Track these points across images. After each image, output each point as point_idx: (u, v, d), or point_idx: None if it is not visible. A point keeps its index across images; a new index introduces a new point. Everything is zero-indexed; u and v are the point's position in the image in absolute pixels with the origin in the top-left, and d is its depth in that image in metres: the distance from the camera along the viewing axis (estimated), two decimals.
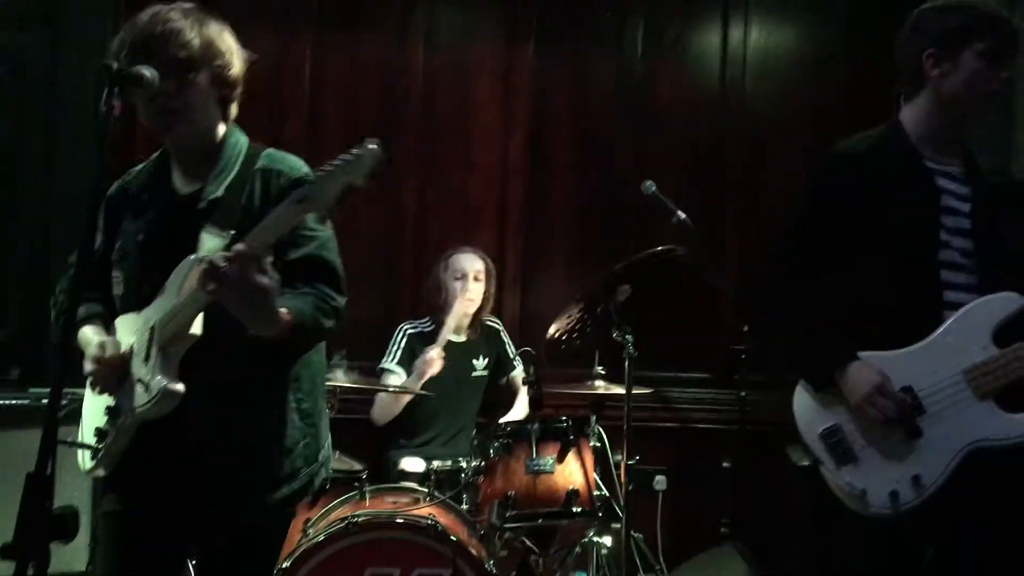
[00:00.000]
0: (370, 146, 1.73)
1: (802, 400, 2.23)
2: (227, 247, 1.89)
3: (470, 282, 3.89)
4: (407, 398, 3.79)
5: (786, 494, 3.46)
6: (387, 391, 3.79)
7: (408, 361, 3.87)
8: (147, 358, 1.96)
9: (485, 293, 3.95)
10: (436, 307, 3.93)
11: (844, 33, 4.46)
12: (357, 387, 3.53)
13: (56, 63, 4.08)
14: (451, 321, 3.79)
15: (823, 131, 4.37)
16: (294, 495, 2.11)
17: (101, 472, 2.06)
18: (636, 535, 3.59)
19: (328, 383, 3.30)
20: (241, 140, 2.16)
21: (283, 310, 1.89)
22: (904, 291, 2.15)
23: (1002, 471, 2.09)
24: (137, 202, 2.14)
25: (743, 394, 3.95)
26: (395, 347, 3.93)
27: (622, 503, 3.33)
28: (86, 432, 2.12)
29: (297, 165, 2.13)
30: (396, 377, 3.87)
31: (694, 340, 4.35)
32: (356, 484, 3.11)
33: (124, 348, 2.02)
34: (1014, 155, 4.04)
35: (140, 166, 2.24)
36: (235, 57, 2.12)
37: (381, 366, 3.90)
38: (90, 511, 3.21)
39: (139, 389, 1.96)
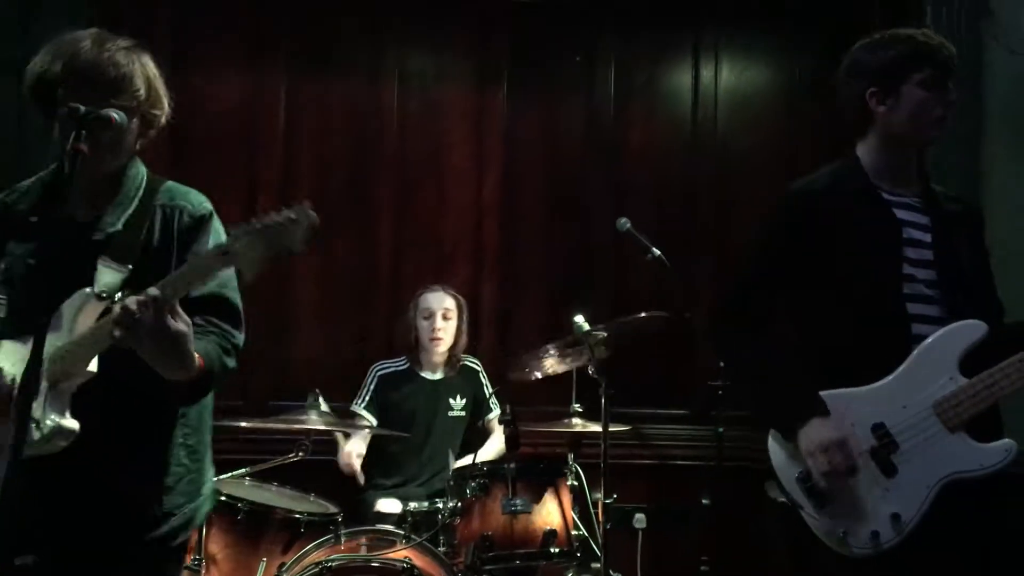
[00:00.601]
0: (308, 211, 1.70)
1: (777, 443, 2.21)
2: (124, 283, 1.87)
3: (438, 320, 3.90)
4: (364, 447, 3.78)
5: (765, 531, 3.45)
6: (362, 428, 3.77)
7: (378, 403, 3.87)
8: (36, 394, 1.86)
9: (456, 330, 3.95)
10: (408, 347, 3.94)
11: (813, 72, 4.54)
12: (334, 429, 3.49)
13: (23, 111, 4.03)
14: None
15: (794, 170, 4.41)
16: (175, 531, 2.05)
17: None
18: (615, 575, 3.55)
19: (301, 426, 3.28)
20: (141, 171, 2.09)
21: (194, 354, 1.85)
22: (871, 326, 2.14)
23: (977, 498, 2.08)
24: (25, 223, 2.04)
25: (721, 430, 3.94)
26: (365, 389, 3.92)
27: (601, 542, 3.30)
28: None
29: (199, 201, 2.08)
30: (363, 422, 3.84)
31: (671, 377, 4.35)
32: (331, 527, 3.07)
33: (7, 379, 1.95)
34: (982, 182, 4.11)
35: (27, 182, 2.14)
36: (165, 100, 2.07)
37: (351, 408, 3.89)
38: None
39: (31, 427, 1.85)
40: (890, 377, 2.12)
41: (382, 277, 4.43)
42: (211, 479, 2.17)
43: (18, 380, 1.93)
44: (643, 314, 3.45)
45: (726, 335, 2.33)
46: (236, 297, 2.06)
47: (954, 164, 4.09)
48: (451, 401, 3.95)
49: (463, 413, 3.97)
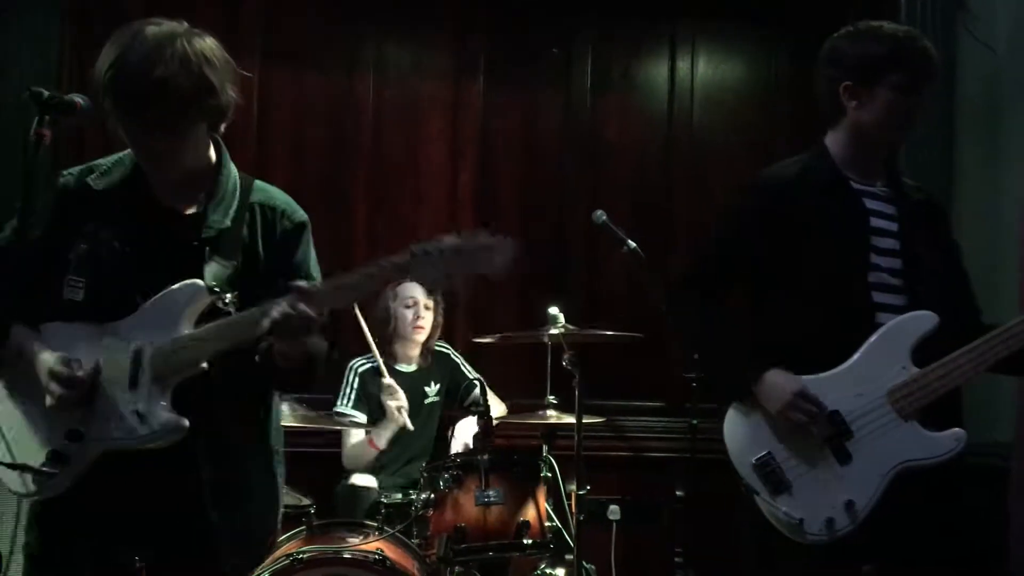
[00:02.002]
0: (507, 241, 1.76)
1: (732, 429, 2.23)
2: (230, 278, 1.89)
3: (421, 309, 3.87)
4: (379, 446, 3.75)
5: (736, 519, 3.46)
6: (341, 426, 3.75)
7: (364, 400, 3.83)
8: (134, 385, 1.87)
9: (434, 322, 3.93)
10: (384, 338, 3.89)
11: (789, 65, 4.56)
12: (306, 425, 3.46)
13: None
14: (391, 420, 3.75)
15: (770, 163, 4.43)
16: (263, 539, 2.09)
17: (48, 494, 1.91)
18: (589, 566, 3.54)
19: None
20: (234, 168, 2.07)
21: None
22: (836, 314, 2.16)
23: (929, 485, 2.11)
24: (107, 205, 1.97)
25: (695, 422, 3.95)
26: (348, 388, 3.87)
27: (574, 534, 3.29)
28: (18, 450, 1.94)
29: (294, 206, 2.10)
30: (353, 422, 3.81)
31: (645, 369, 4.36)
32: (303, 519, 3.06)
33: (88, 366, 1.89)
34: (954, 177, 4.14)
35: (105, 163, 2.05)
36: (227, 83, 1.95)
37: (336, 410, 3.82)
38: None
39: (131, 419, 1.86)
40: (845, 364, 2.15)
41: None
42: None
43: (104, 368, 1.90)
44: (610, 332, 3.51)
45: (682, 301, 2.35)
46: None
47: (926, 160, 4.12)
48: (426, 389, 3.93)
49: (438, 398, 3.94)
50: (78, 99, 1.82)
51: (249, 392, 1.98)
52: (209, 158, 2.04)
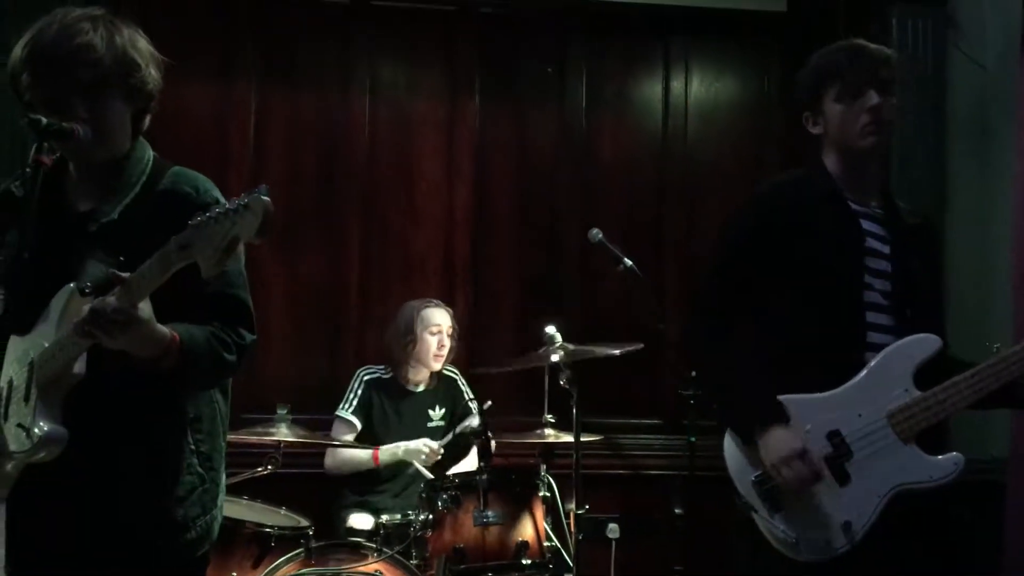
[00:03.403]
0: (260, 195, 1.56)
1: (732, 447, 2.22)
2: (112, 273, 1.74)
3: (445, 337, 3.90)
4: (365, 460, 3.76)
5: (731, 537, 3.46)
6: (338, 445, 3.74)
7: (365, 409, 3.85)
8: (27, 398, 1.83)
9: (451, 348, 3.95)
10: (399, 357, 3.90)
11: (781, 83, 4.58)
12: (304, 441, 3.45)
13: None
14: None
15: (763, 179, 4.47)
16: (193, 544, 1.94)
17: None
18: None
19: (272, 437, 3.26)
20: (146, 156, 1.98)
21: (165, 329, 1.75)
22: (830, 332, 2.17)
23: (923, 506, 2.11)
24: (24, 211, 1.88)
25: (693, 439, 3.95)
26: (352, 394, 3.88)
27: (573, 553, 3.29)
28: None
29: (206, 187, 1.96)
30: (348, 428, 3.82)
31: (643, 386, 4.36)
32: (302, 541, 3.04)
33: (4, 380, 1.89)
34: (946, 192, 4.16)
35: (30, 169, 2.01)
36: (151, 67, 1.93)
37: (336, 413, 3.86)
38: None
39: (20, 433, 1.81)
40: (847, 384, 2.15)
41: (351, 289, 4.40)
42: (223, 488, 2.05)
43: (14, 381, 1.87)
44: (617, 352, 3.48)
45: (699, 337, 2.33)
46: (243, 295, 1.96)
47: (918, 175, 4.15)
48: (430, 412, 3.94)
49: (442, 423, 3.95)
50: (77, 127, 1.80)
51: (141, 395, 1.85)
52: (124, 150, 1.96)
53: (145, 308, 1.71)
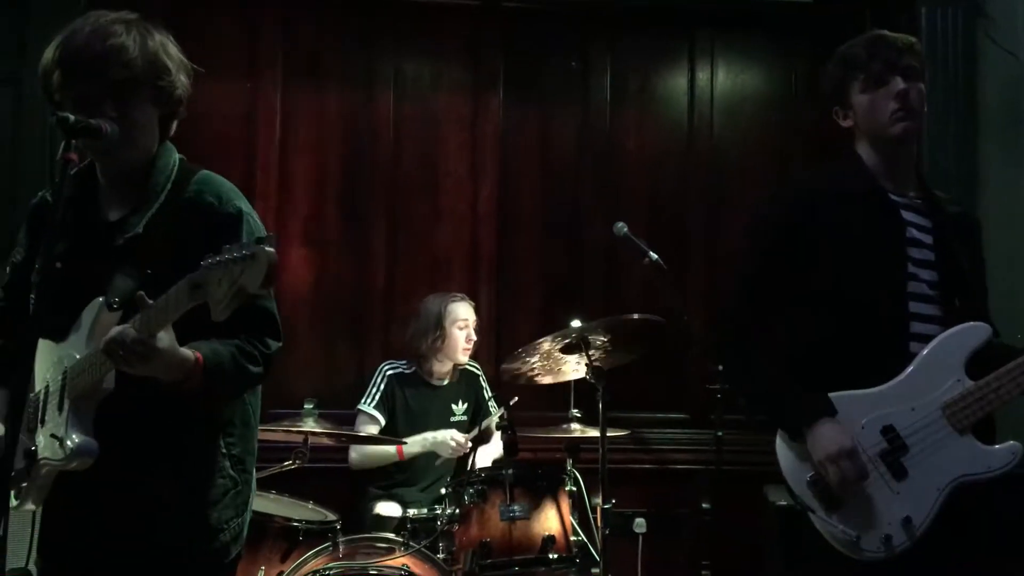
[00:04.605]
0: (265, 247, 1.56)
1: (784, 447, 2.18)
2: (140, 289, 1.75)
3: (471, 331, 3.93)
4: (390, 454, 3.77)
5: (764, 535, 3.44)
6: (363, 439, 3.75)
7: (388, 403, 3.87)
8: (60, 408, 1.86)
9: (476, 342, 3.98)
10: (425, 351, 3.91)
11: (808, 75, 4.54)
12: (330, 432, 3.47)
13: (19, 122, 4.08)
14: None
15: (789, 174, 4.45)
16: (227, 547, 1.97)
17: (30, 506, 1.94)
18: None
19: (299, 430, 3.28)
20: (171, 161, 1.98)
21: (188, 353, 1.77)
22: (872, 324, 2.14)
23: (982, 499, 2.08)
24: (54, 217, 1.88)
25: (720, 434, 3.94)
26: (374, 388, 3.91)
27: (600, 548, 3.28)
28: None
29: (229, 197, 1.96)
30: (371, 422, 3.84)
31: (669, 381, 4.35)
32: (329, 535, 3.06)
33: (40, 385, 1.93)
34: (978, 183, 4.11)
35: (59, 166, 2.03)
36: (180, 72, 1.96)
37: (359, 407, 3.88)
38: None
39: (53, 443, 1.84)
40: (898, 379, 2.11)
41: (377, 285, 4.42)
42: (255, 490, 2.08)
43: (50, 387, 1.90)
44: (635, 316, 3.42)
45: (729, 337, 2.30)
46: (268, 304, 1.96)
47: (949, 166, 4.10)
48: (453, 407, 3.95)
49: (464, 418, 3.97)
50: (104, 124, 1.82)
51: (171, 406, 1.85)
52: (151, 153, 1.97)
53: (164, 337, 1.72)
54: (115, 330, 1.73)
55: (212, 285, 1.60)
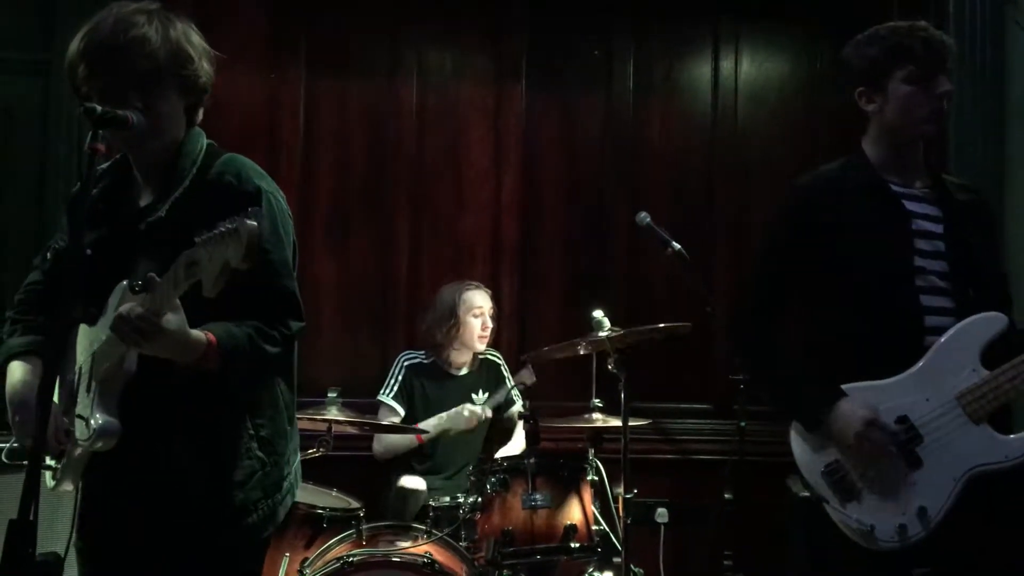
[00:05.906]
0: (246, 220, 1.58)
1: (799, 438, 2.20)
2: (161, 271, 1.75)
3: (487, 319, 3.93)
4: (411, 441, 3.79)
5: (787, 525, 3.43)
6: (383, 427, 3.77)
7: (406, 394, 3.89)
8: (88, 388, 1.90)
9: (492, 331, 3.99)
10: (442, 341, 3.93)
11: (833, 62, 4.48)
12: (353, 421, 3.49)
13: (47, 112, 4.12)
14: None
15: (814, 162, 4.38)
16: (255, 528, 1.98)
17: (68, 487, 1.99)
18: (637, 570, 3.54)
19: (323, 419, 3.30)
20: (199, 146, 2.00)
21: (200, 334, 1.79)
22: (884, 319, 2.13)
23: (999, 489, 2.07)
24: (94, 209, 1.98)
25: (742, 424, 3.92)
26: (393, 380, 3.93)
27: (621, 537, 3.29)
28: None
29: (248, 176, 1.97)
30: (391, 413, 3.86)
31: (692, 371, 4.34)
32: (353, 522, 3.08)
33: (78, 366, 1.98)
34: (1005, 172, 4.06)
35: (104, 165, 2.06)
36: (204, 60, 1.98)
37: (379, 398, 3.91)
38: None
39: (81, 424, 1.89)
40: (912, 369, 2.11)
41: (401, 274, 4.43)
42: (296, 470, 2.10)
43: (82, 370, 1.95)
44: (662, 324, 3.45)
45: (747, 333, 2.32)
46: (289, 284, 1.97)
47: (976, 155, 4.06)
48: (474, 396, 3.96)
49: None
50: (131, 114, 1.84)
51: (191, 382, 1.87)
52: (178, 141, 1.99)
53: (173, 318, 1.74)
54: (122, 307, 1.76)
55: (204, 261, 1.63)
